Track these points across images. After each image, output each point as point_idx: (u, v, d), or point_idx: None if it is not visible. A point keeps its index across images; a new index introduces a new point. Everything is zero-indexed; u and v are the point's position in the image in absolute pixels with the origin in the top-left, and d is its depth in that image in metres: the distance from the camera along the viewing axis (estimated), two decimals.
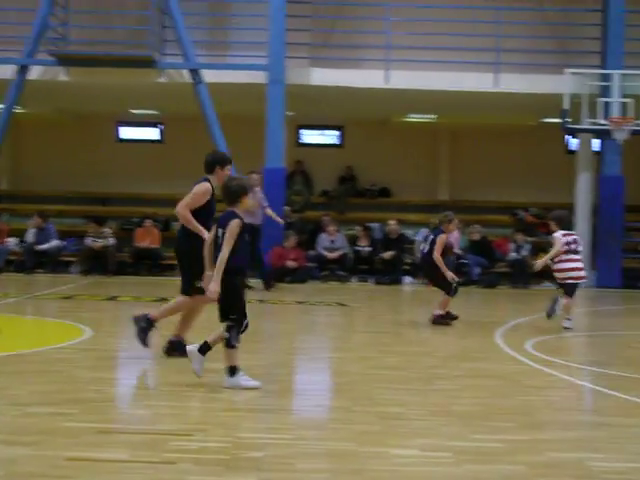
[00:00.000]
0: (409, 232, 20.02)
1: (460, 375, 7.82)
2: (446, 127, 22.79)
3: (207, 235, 7.31)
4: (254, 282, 15.56)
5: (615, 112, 17.35)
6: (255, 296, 14.62)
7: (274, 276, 16.76)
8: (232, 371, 6.80)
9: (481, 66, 18.40)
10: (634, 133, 17.22)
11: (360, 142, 22.63)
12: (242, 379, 6.79)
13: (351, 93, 18.72)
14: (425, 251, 11.58)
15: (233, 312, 6.80)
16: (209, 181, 8.06)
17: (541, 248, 20.13)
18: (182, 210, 7.97)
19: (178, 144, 22.05)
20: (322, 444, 5.35)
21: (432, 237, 11.51)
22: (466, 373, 7.95)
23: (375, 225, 20.23)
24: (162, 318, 8.26)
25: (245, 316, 6.86)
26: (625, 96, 17.43)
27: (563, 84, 17.28)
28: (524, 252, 18.71)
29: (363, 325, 12.28)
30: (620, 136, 17.21)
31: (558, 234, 11.31)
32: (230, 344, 6.80)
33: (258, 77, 17.77)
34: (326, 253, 18.84)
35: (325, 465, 4.94)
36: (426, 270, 12.06)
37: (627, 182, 18.68)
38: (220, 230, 6.87)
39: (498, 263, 18.99)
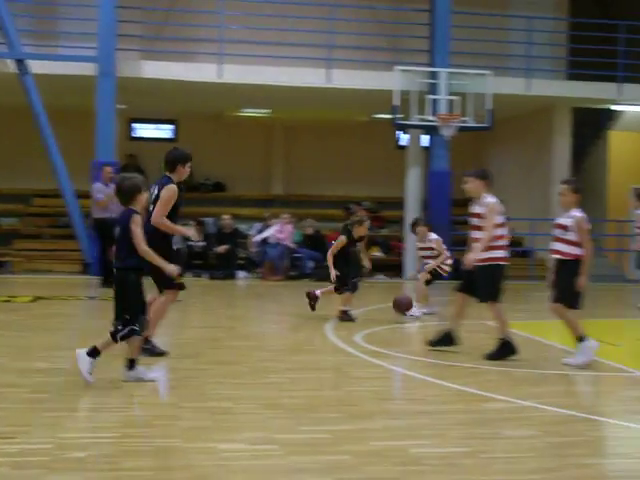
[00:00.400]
0: (243, 226, 20.06)
1: (290, 368, 7.89)
2: (280, 122, 22.96)
3: (190, 231, 7.85)
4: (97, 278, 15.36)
5: (442, 109, 17.89)
6: (87, 293, 14.39)
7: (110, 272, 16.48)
8: (92, 353, 6.69)
9: (314, 62, 18.58)
10: (460, 129, 17.83)
11: (194, 136, 22.44)
12: (89, 364, 6.66)
13: (184, 87, 18.56)
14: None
15: (127, 312, 6.83)
16: (172, 180, 8.02)
17: (374, 242, 20.61)
18: (159, 220, 7.86)
19: (4, 136, 21.29)
20: (148, 441, 5.28)
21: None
22: (296, 366, 8.03)
23: (209, 220, 20.16)
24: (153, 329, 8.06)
25: (143, 313, 6.94)
26: (452, 94, 18.00)
27: (393, 81, 17.67)
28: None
29: (197, 320, 12.18)
30: (447, 132, 17.77)
31: (436, 236, 12.50)
32: (115, 337, 6.79)
33: (88, 69, 17.34)
34: None
35: (151, 463, 4.87)
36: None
37: (454, 177, 19.28)
38: (118, 229, 6.87)
39: None
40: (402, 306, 11.57)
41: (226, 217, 19.13)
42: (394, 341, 10.16)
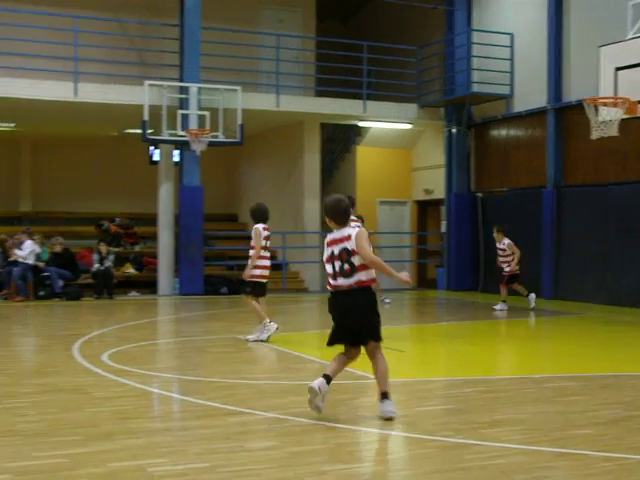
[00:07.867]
0: None
1: (30, 392, 7.57)
2: (27, 136, 22.14)
3: None
4: None
5: (193, 124, 17.91)
6: None
7: None
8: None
9: (60, 74, 17.97)
10: (211, 144, 17.87)
11: None
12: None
13: None
14: None
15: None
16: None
17: (126, 258, 20.30)
18: None
19: None
20: None
21: None
22: (36, 389, 7.71)
23: None
24: None
25: None
26: (202, 109, 18.06)
27: (143, 95, 17.46)
28: (108, 263, 18.48)
29: None
30: (198, 147, 17.74)
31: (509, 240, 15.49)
32: None
33: None
34: None
35: None
36: None
37: (206, 192, 19.28)
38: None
39: (83, 275, 18.66)
40: None
41: None
42: (141, 359, 9.97)
